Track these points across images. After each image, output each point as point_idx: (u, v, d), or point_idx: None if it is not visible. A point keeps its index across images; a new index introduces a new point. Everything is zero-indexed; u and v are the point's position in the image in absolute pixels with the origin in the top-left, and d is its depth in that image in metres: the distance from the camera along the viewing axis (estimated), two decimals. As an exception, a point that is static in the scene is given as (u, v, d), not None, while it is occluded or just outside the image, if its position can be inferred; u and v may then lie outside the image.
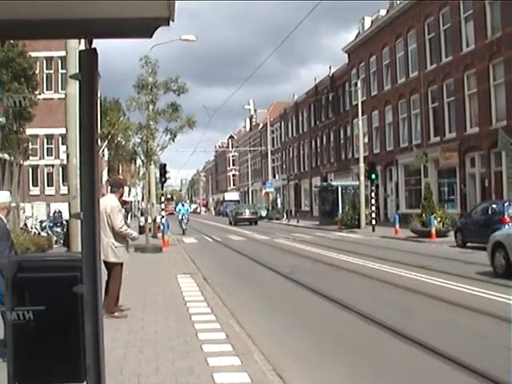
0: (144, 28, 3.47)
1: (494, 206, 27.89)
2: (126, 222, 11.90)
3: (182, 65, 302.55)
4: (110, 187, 12.86)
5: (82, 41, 3.38)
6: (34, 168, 57.13)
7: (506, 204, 26.77)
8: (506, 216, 25.72)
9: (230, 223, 64.88)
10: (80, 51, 3.67)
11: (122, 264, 11.77)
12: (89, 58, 3.58)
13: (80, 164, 3.63)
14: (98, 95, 58.96)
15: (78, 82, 3.58)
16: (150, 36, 3.55)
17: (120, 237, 11.58)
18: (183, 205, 50.30)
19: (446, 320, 11.74)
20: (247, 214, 64.27)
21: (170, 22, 3.36)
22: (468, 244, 27.91)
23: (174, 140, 28.97)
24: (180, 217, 47.46)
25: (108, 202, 11.38)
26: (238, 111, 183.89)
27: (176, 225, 48.45)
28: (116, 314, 11.50)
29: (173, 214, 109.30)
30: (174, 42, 35.78)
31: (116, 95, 57.41)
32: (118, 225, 11.37)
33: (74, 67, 11.16)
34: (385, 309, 13.05)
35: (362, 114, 48.96)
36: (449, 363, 8.49)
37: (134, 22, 3.38)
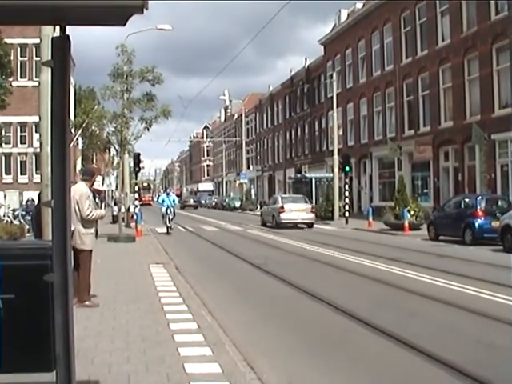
0: (117, 16, 3.45)
1: (466, 199, 28.12)
2: (94, 208, 11.79)
3: (159, 55, 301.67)
4: (81, 175, 12.78)
5: (57, 28, 3.37)
6: (7, 156, 56.78)
7: (479, 198, 27.02)
8: (478, 210, 25.94)
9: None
10: (53, 38, 3.64)
11: (90, 251, 11.69)
12: (61, 45, 3.55)
13: (51, 152, 3.60)
14: (72, 83, 58.62)
15: (50, 69, 3.55)
16: (124, 24, 3.53)
17: (88, 224, 11.50)
18: (168, 194, 37.43)
19: (418, 312, 11.83)
20: (191, 202, 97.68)
21: (144, 11, 3.34)
22: (440, 237, 28.12)
23: (148, 129, 28.81)
24: (164, 210, 35.51)
25: (77, 190, 11.30)
26: (214, 102, 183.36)
27: (155, 218, 45.52)
28: (87, 303, 11.42)
29: (149, 204, 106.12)
30: (153, 33, 35.76)
31: (93, 84, 56.89)
32: (85, 212, 11.29)
33: (47, 54, 11.06)
34: (356, 300, 13.10)
35: (337, 107, 49.12)
36: (420, 355, 8.54)
37: (107, 9, 3.35)
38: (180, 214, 68.61)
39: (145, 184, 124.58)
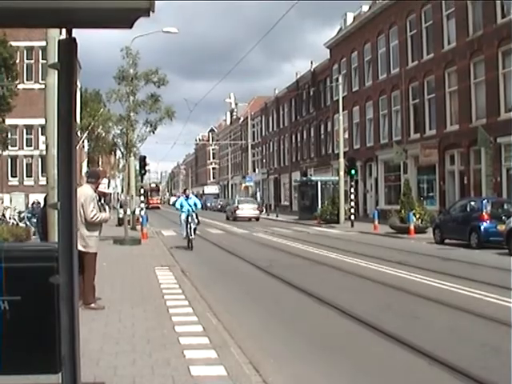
0: (124, 18, 3.45)
1: (472, 203, 28.07)
2: (99, 210, 11.80)
3: (166, 58, 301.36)
4: (86, 177, 12.79)
5: (64, 30, 3.38)
6: (13, 158, 56.90)
7: (485, 201, 26.94)
8: (484, 213, 25.89)
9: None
10: (59, 40, 3.64)
11: (95, 254, 11.71)
12: (68, 48, 3.56)
13: (57, 154, 3.61)
14: (78, 85, 58.72)
15: (56, 72, 3.56)
16: (130, 26, 3.53)
17: (92, 226, 11.51)
18: (188, 197, 27.93)
19: (423, 315, 11.82)
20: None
21: (151, 13, 3.35)
22: (446, 241, 28.09)
23: (153, 132, 28.86)
24: (184, 217, 27.10)
25: (82, 192, 11.30)
26: (220, 105, 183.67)
27: (161, 221, 44.63)
28: (93, 305, 11.44)
29: (158, 207, 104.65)
30: (160, 36, 35.95)
31: (99, 87, 57.16)
32: (89, 215, 11.30)
33: (54, 57, 11.08)
34: (362, 304, 13.08)
35: (343, 110, 49.04)
36: (425, 358, 8.54)
37: (113, 12, 3.35)
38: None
39: (153, 185, 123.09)
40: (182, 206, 27.62)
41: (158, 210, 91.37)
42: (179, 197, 31.47)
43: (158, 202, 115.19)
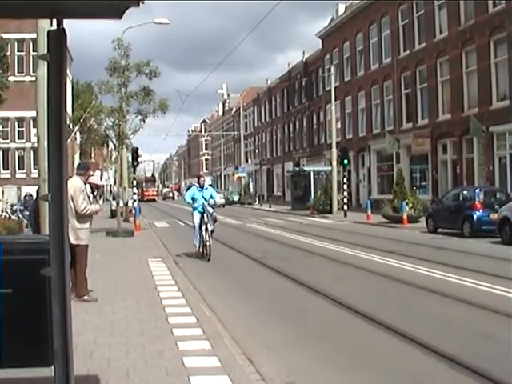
0: (114, 8, 3.43)
1: (465, 192, 28.12)
2: (89, 202, 11.77)
3: (159, 50, 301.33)
4: (76, 169, 12.76)
5: (54, 22, 3.36)
6: (5, 151, 56.79)
7: (477, 190, 27.00)
8: (476, 202, 25.93)
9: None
10: (48, 31, 3.62)
11: (87, 246, 11.68)
12: (57, 39, 3.53)
13: (48, 146, 3.59)
14: (69, 77, 58.55)
15: (46, 63, 3.54)
16: (120, 17, 3.52)
17: (83, 218, 11.48)
18: (202, 188, 20.18)
19: (418, 305, 11.84)
20: (171, 194, 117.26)
21: (141, 4, 3.33)
22: (439, 230, 28.14)
23: (144, 121, 28.76)
24: (197, 217, 19.81)
25: (72, 184, 11.26)
26: (213, 96, 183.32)
27: (158, 216, 44.93)
28: (86, 297, 11.43)
29: (154, 200, 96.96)
30: (153, 28, 36.02)
31: (91, 80, 56.89)
32: (79, 207, 11.27)
33: (44, 48, 11.02)
34: (356, 294, 13.09)
35: (335, 100, 48.95)
36: (418, 347, 8.56)
37: (103, 2, 3.34)
38: (176, 207, 68.62)
39: (148, 175, 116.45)
40: (194, 200, 19.73)
41: (153, 203, 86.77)
42: (190, 186, 22.38)
43: (155, 193, 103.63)
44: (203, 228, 19.37)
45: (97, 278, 12.96)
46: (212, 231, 19.44)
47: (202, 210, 19.47)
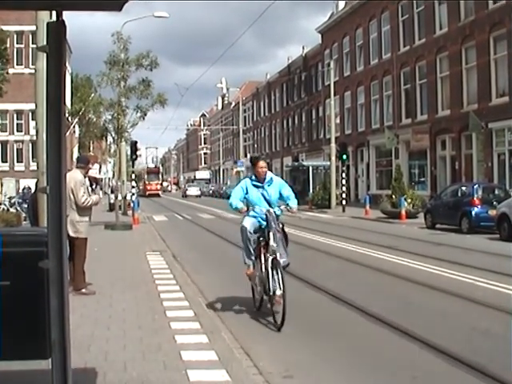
0: (113, 1, 3.42)
1: (463, 188, 28.13)
2: (89, 195, 11.76)
3: (159, 44, 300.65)
4: (76, 162, 12.75)
5: (54, 14, 3.35)
6: (4, 144, 56.68)
7: (476, 186, 27.01)
8: (475, 198, 25.94)
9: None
10: (48, 23, 3.61)
11: (86, 239, 11.68)
12: (57, 31, 3.52)
13: (47, 138, 3.58)
14: (68, 70, 58.45)
15: (45, 55, 3.53)
16: (120, 9, 3.51)
17: (83, 211, 11.48)
18: (264, 181, 10.64)
19: (415, 300, 11.84)
20: (169, 188, 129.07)
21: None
22: (437, 225, 28.14)
23: (144, 118, 28.76)
24: (249, 231, 10.46)
25: (72, 177, 11.26)
26: (213, 90, 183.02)
27: (157, 210, 44.52)
28: (83, 290, 11.42)
29: (157, 195, 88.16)
30: (152, 22, 35.97)
31: (91, 73, 56.65)
32: (80, 199, 11.28)
33: (43, 40, 10.99)
34: (353, 288, 13.09)
35: (335, 95, 48.91)
36: (415, 342, 8.56)
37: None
38: (175, 201, 68.61)
39: (151, 166, 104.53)
40: (249, 202, 10.83)
41: (155, 199, 79.54)
42: (241, 180, 13.94)
43: (158, 187, 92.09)
44: (264, 257, 10.47)
45: (95, 271, 12.94)
46: (286, 266, 10.52)
47: (263, 223, 10.65)
